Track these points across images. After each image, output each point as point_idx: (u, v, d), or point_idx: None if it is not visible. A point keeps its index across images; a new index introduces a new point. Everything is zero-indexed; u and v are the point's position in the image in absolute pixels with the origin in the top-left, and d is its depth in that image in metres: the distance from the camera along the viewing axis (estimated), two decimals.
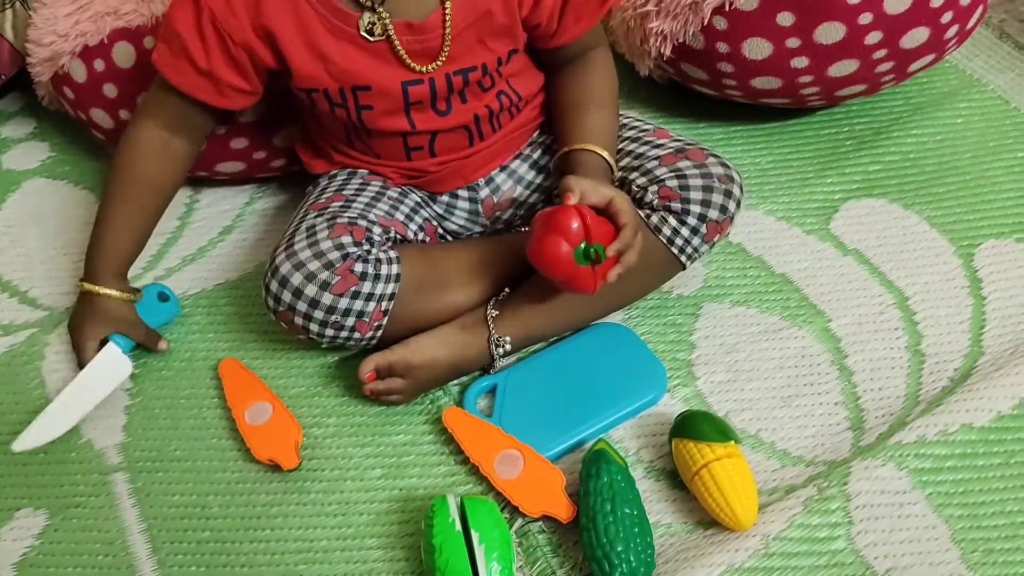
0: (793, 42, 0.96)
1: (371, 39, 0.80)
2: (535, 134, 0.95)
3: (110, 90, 0.95)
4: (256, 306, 0.97)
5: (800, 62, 0.97)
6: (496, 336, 0.86)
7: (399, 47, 0.80)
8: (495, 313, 0.87)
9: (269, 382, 0.90)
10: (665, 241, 0.86)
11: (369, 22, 0.79)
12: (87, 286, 0.89)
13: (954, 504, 0.79)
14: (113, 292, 0.90)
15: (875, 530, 0.77)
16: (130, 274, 1.00)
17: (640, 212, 0.86)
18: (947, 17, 0.96)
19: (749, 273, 0.98)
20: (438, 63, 0.82)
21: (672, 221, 0.86)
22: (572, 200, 0.78)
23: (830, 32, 0.94)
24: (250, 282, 0.99)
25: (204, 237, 1.04)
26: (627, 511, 0.75)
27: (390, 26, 0.79)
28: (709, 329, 0.93)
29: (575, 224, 0.77)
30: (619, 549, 0.72)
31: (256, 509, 0.82)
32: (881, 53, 0.96)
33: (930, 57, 1.00)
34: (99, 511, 0.83)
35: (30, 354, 0.94)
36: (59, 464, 0.86)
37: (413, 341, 0.85)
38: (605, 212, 0.80)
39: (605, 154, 0.86)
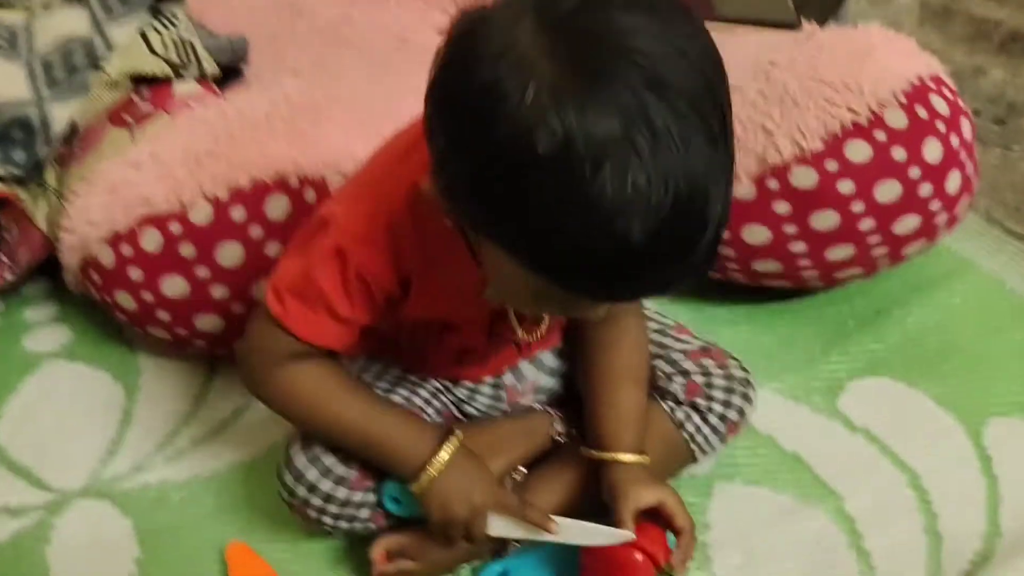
0: (790, 228, 1.00)
1: (491, 302, 0.76)
2: None
3: (135, 273, 0.99)
4: (266, 489, 0.95)
5: (798, 247, 1.01)
6: None
7: (513, 321, 0.82)
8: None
9: (277, 566, 0.89)
10: (687, 437, 0.88)
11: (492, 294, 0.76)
12: (428, 474, 0.79)
13: None
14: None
15: None
16: (137, 457, 1.00)
17: (664, 404, 0.88)
18: (935, 205, 1.00)
19: (759, 452, 0.98)
20: (538, 334, 0.85)
21: (696, 419, 0.88)
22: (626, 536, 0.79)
23: (824, 219, 0.99)
24: (262, 464, 0.99)
25: (218, 417, 1.05)
26: None
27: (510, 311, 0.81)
28: (722, 510, 0.92)
29: (639, 557, 0.78)
30: None
31: None
32: (875, 239, 1.01)
33: (922, 242, 1.04)
34: None
35: (36, 537, 0.93)
36: None
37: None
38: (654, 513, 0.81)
39: (636, 459, 0.83)
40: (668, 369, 0.90)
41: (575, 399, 0.96)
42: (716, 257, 0.60)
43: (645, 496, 0.80)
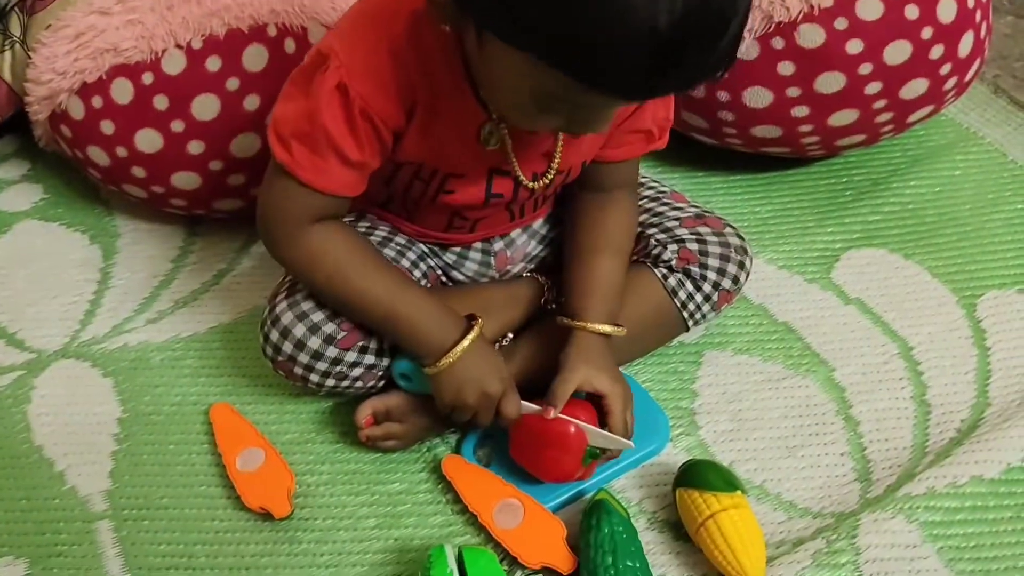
0: (794, 91, 0.96)
1: (487, 145, 0.76)
2: None
3: (107, 127, 0.94)
4: (249, 351, 0.94)
5: (800, 111, 0.98)
6: None
7: (512, 159, 0.77)
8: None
9: (261, 428, 0.88)
10: (679, 304, 0.86)
11: (489, 132, 0.75)
12: (449, 358, 0.77)
13: (965, 559, 0.77)
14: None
15: None
16: (116, 319, 0.98)
17: (657, 271, 0.86)
18: (945, 69, 0.96)
19: (751, 321, 0.96)
20: (543, 182, 0.80)
21: (689, 286, 0.86)
22: (551, 414, 0.78)
23: (830, 82, 0.95)
24: (244, 326, 0.97)
25: (198, 279, 1.02)
26: (629, 563, 0.72)
27: (507, 138, 0.76)
28: (712, 377, 0.91)
29: (572, 429, 0.78)
30: None
31: (245, 559, 0.79)
32: (881, 103, 0.97)
33: (929, 108, 1.01)
34: (82, 560, 0.80)
35: (16, 397, 0.92)
36: (41, 511, 0.83)
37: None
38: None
39: (608, 329, 0.82)
40: (662, 236, 0.88)
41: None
42: (735, 56, 0.60)
43: (591, 380, 0.79)
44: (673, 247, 0.87)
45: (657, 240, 0.88)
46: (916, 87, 0.96)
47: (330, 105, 0.71)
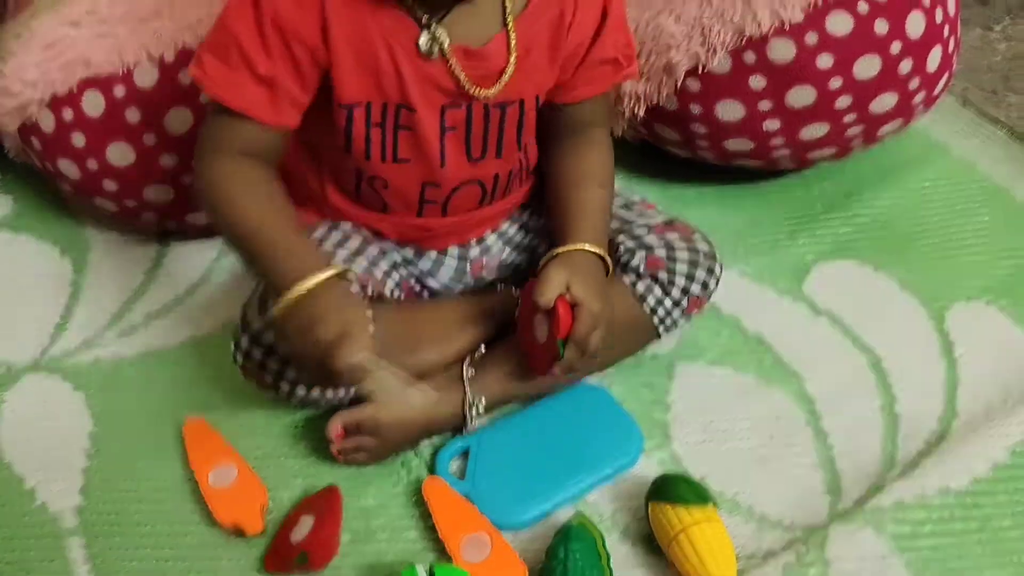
0: (765, 105, 0.97)
1: (429, 57, 0.76)
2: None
3: (78, 140, 0.94)
4: (223, 365, 0.93)
5: (772, 124, 0.99)
6: (471, 397, 0.85)
7: (455, 67, 0.77)
8: (471, 372, 0.86)
9: (234, 443, 0.87)
10: (648, 310, 0.87)
11: (427, 41, 0.76)
12: (296, 291, 0.71)
13: (933, 570, 0.78)
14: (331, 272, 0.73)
15: None
16: (88, 333, 0.98)
17: (625, 277, 0.87)
18: (914, 83, 0.98)
19: (723, 333, 0.97)
20: (494, 90, 0.79)
21: (657, 291, 0.87)
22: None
23: (801, 96, 0.96)
24: (217, 339, 0.96)
25: (171, 293, 1.02)
26: None
27: (447, 49, 0.76)
28: (684, 389, 0.92)
29: (562, 310, 0.79)
30: None
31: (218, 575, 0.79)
32: (851, 117, 0.98)
33: (898, 122, 1.02)
34: None
35: None
36: (10, 528, 0.82)
37: (384, 401, 0.83)
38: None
39: (601, 252, 0.84)
40: (630, 244, 0.88)
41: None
42: None
43: (573, 283, 0.79)
44: (641, 253, 0.87)
45: (626, 247, 0.88)
46: (885, 101, 0.97)
47: (241, 13, 0.72)
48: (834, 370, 0.93)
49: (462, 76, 0.77)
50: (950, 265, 1.04)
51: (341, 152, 0.82)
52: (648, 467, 0.86)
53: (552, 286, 0.79)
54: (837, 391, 0.92)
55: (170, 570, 0.79)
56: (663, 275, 0.87)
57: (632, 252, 0.88)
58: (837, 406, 0.90)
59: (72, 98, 0.92)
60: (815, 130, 0.99)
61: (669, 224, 0.90)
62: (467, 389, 0.85)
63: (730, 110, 0.98)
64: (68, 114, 0.93)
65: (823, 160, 1.07)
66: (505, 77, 0.79)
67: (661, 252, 0.87)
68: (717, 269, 0.89)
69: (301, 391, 0.81)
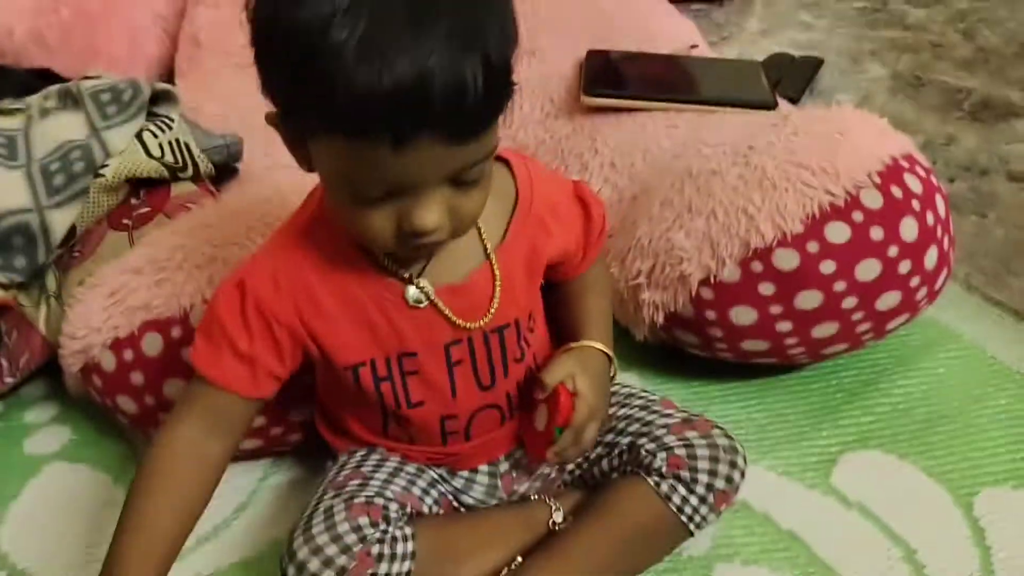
0: (776, 309, 1.03)
1: (419, 306, 0.83)
2: None
3: (136, 378, 1.00)
4: None
5: (784, 326, 1.04)
6: None
7: (444, 309, 0.83)
8: None
9: None
10: (675, 509, 0.89)
11: (416, 293, 0.83)
12: None
13: None
14: None
15: None
16: None
17: (649, 479, 0.90)
18: (915, 281, 1.03)
19: (756, 531, 0.99)
20: (485, 320, 0.85)
21: (681, 490, 0.89)
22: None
23: (809, 299, 1.02)
24: (266, 561, 1.00)
25: (219, 515, 1.06)
26: None
27: (433, 295, 0.83)
28: None
29: (564, 397, 0.86)
30: None
31: None
32: (858, 315, 1.04)
33: (905, 316, 1.07)
34: None
35: None
36: None
37: None
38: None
39: (600, 346, 0.92)
40: (651, 446, 0.91)
41: (573, 485, 0.98)
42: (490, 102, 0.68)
43: (576, 375, 0.88)
44: (662, 455, 0.90)
45: (647, 450, 0.91)
46: (890, 299, 1.03)
47: (227, 298, 0.82)
48: (870, 564, 0.94)
49: (452, 316, 0.84)
50: (972, 451, 1.06)
51: (362, 402, 0.89)
52: None
53: (557, 372, 0.87)
54: None
55: None
56: (685, 474, 0.89)
57: (653, 454, 0.91)
58: None
59: (132, 340, 1.00)
60: (826, 329, 1.04)
61: (687, 422, 0.93)
62: None
63: (743, 315, 1.04)
64: (128, 354, 1.00)
65: (838, 354, 1.12)
66: (494, 306, 0.86)
67: (681, 452, 0.90)
68: (740, 462, 0.91)
69: None
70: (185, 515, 0.84)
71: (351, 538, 0.82)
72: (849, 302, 1.02)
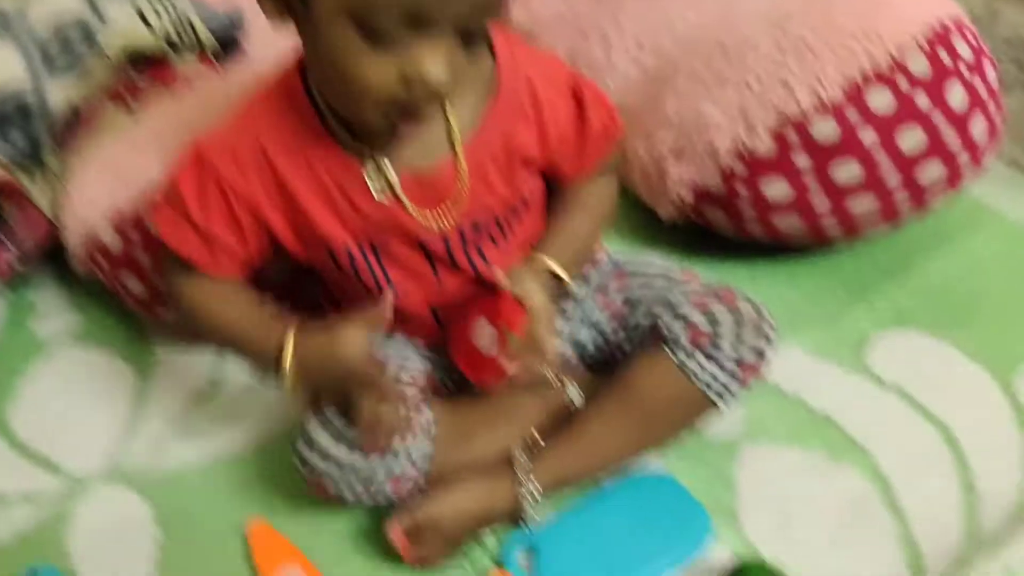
0: (811, 182, 0.97)
1: (384, 201, 0.77)
2: None
3: (143, 258, 0.97)
4: (285, 467, 0.94)
5: (819, 201, 0.99)
6: (525, 484, 0.84)
7: (409, 206, 0.78)
8: (522, 460, 0.85)
9: (299, 546, 0.87)
10: (700, 384, 0.84)
11: (373, 173, 0.76)
12: (287, 350, 0.78)
13: None
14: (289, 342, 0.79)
15: None
16: (154, 441, 0.99)
17: (671, 354, 0.84)
18: (960, 152, 0.97)
19: (787, 412, 0.96)
20: (454, 217, 0.79)
21: (706, 364, 0.83)
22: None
23: (847, 171, 0.96)
24: (279, 443, 0.98)
25: (234, 398, 1.03)
26: None
27: (395, 181, 0.77)
28: (751, 472, 0.90)
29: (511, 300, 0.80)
30: None
31: None
32: (899, 189, 0.98)
33: (947, 191, 1.01)
34: None
35: (56, 523, 0.92)
36: None
37: (438, 496, 0.83)
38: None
39: (560, 272, 0.84)
40: (671, 320, 0.85)
41: (592, 368, 0.94)
42: None
43: (528, 289, 0.80)
44: (680, 324, 0.84)
45: (667, 324, 0.85)
46: (933, 172, 0.97)
47: (186, 170, 0.78)
48: (906, 446, 0.91)
49: (413, 211, 0.78)
50: (1012, 329, 1.02)
51: (353, 284, 0.84)
52: (719, 552, 0.84)
53: (500, 275, 0.81)
54: (911, 467, 0.89)
55: None
56: (709, 347, 0.83)
57: (673, 328, 0.84)
58: (913, 483, 0.88)
59: (137, 218, 0.96)
60: (864, 204, 0.99)
61: (710, 291, 0.86)
62: (520, 477, 0.84)
63: (776, 189, 0.99)
64: (133, 234, 0.96)
65: (874, 232, 1.07)
66: (463, 199, 0.79)
67: (704, 324, 0.84)
68: (769, 331, 0.85)
69: (366, 499, 0.82)
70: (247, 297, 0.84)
71: None
72: (889, 174, 0.96)
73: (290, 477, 0.93)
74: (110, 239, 0.98)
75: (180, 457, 0.98)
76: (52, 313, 1.15)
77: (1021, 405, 0.94)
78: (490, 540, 0.87)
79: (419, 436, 0.81)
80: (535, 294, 0.80)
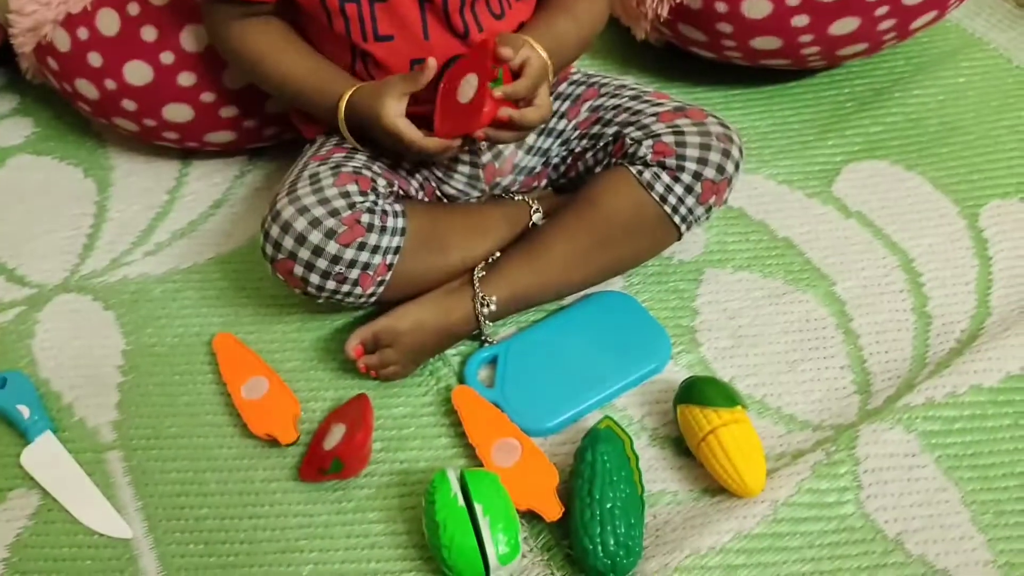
0: (793, 0, 0.94)
1: None
2: None
3: (95, 59, 0.93)
4: (249, 280, 0.95)
5: (800, 20, 0.95)
6: (481, 295, 0.84)
7: None
8: (482, 274, 0.85)
9: (264, 357, 0.88)
10: (658, 199, 0.83)
11: None
12: (344, 104, 0.82)
13: (964, 466, 0.78)
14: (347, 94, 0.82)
15: (885, 494, 0.76)
16: (115, 252, 0.99)
17: (632, 168, 0.84)
18: None
19: (751, 238, 0.96)
20: None
21: (666, 178, 0.83)
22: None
23: None
24: (243, 255, 0.97)
25: (195, 211, 1.02)
26: (609, 493, 0.72)
27: None
28: (712, 295, 0.91)
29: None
30: (596, 532, 0.71)
31: (255, 485, 0.81)
32: (883, 10, 0.95)
33: (932, 14, 0.98)
34: None
35: (19, 332, 0.92)
36: None
37: (397, 308, 0.84)
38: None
39: (544, 54, 0.80)
40: (637, 134, 0.84)
41: (558, 188, 0.93)
42: None
43: (518, 45, 0.78)
44: (648, 142, 0.83)
45: (632, 139, 0.84)
46: None
47: None
48: (864, 272, 0.92)
49: None
50: (984, 163, 1.01)
51: (329, 34, 0.82)
52: (676, 372, 0.86)
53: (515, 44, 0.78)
54: (867, 292, 0.91)
55: (208, 480, 0.81)
56: (671, 161, 0.82)
57: (639, 142, 0.84)
58: (868, 307, 0.89)
59: (87, 16, 0.91)
60: (846, 25, 0.96)
61: (680, 110, 0.85)
62: (476, 287, 0.84)
63: (757, 7, 0.95)
64: (83, 33, 0.92)
65: (854, 57, 1.04)
66: None
67: (669, 138, 0.83)
68: (735, 152, 0.84)
69: (330, 284, 0.80)
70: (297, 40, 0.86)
71: (340, 203, 0.78)
72: None
73: (254, 290, 0.94)
74: (60, 40, 0.93)
75: (142, 268, 0.97)
76: (6, 124, 1.11)
77: (983, 236, 0.94)
78: (455, 359, 0.88)
79: (391, 234, 0.81)
80: (530, 51, 0.78)
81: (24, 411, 0.84)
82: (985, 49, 1.13)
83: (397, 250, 0.81)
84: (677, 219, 0.84)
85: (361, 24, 0.81)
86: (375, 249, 0.80)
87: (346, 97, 0.82)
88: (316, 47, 0.86)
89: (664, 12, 1.00)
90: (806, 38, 0.97)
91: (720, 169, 0.83)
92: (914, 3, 0.95)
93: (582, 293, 0.91)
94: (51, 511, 0.80)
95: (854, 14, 0.94)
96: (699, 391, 0.78)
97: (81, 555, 0.78)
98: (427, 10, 0.80)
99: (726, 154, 0.83)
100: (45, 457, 0.83)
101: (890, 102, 1.08)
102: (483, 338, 0.87)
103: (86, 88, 0.96)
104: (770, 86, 1.11)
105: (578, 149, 0.90)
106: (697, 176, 0.82)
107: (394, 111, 0.78)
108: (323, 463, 0.78)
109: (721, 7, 0.96)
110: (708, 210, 0.85)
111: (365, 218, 0.79)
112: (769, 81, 1.10)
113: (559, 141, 0.90)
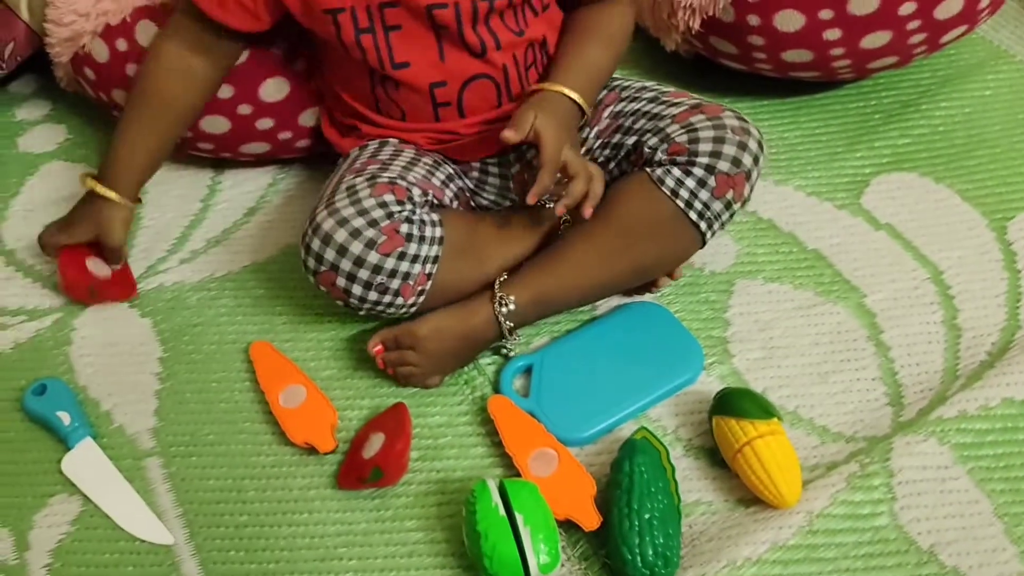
0: (826, 14, 0.94)
1: None
2: None
3: (132, 70, 0.94)
4: (284, 288, 0.96)
5: (833, 34, 0.96)
6: (499, 296, 0.84)
7: None
8: (503, 278, 0.86)
9: (301, 365, 0.89)
10: (669, 193, 0.82)
11: None
12: (91, 182, 0.91)
13: (996, 479, 0.78)
14: (112, 195, 0.90)
15: (918, 506, 0.77)
16: (150, 260, 1.00)
17: (647, 169, 0.84)
18: None
19: (781, 249, 0.97)
20: None
21: (676, 172, 0.82)
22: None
23: (863, 3, 0.93)
24: (277, 264, 0.98)
25: (229, 219, 1.03)
26: (647, 504, 0.73)
27: None
28: (743, 306, 0.92)
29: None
30: (635, 543, 0.72)
31: (293, 492, 0.82)
32: (915, 24, 0.95)
33: (963, 28, 0.99)
34: None
35: (57, 339, 0.93)
36: None
37: (421, 316, 0.85)
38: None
39: (575, 96, 0.83)
40: (654, 141, 0.84)
41: None
42: None
43: (538, 123, 0.79)
44: (664, 147, 0.83)
45: (650, 147, 0.84)
46: (950, 6, 0.94)
47: None
48: (895, 284, 0.93)
49: None
50: (1012, 175, 1.02)
51: (347, 62, 0.84)
52: (709, 383, 0.86)
53: (521, 120, 0.79)
54: (898, 305, 0.91)
55: (247, 488, 0.82)
56: (682, 157, 0.82)
57: (655, 150, 0.84)
58: (898, 319, 0.90)
59: (126, 28, 0.92)
60: (877, 39, 0.96)
61: (695, 107, 0.85)
62: (495, 290, 0.85)
63: (790, 20, 0.96)
64: (122, 44, 0.93)
65: (883, 70, 1.05)
66: None
67: (682, 137, 0.82)
68: (752, 144, 0.82)
69: (372, 296, 0.81)
70: (168, 127, 0.91)
71: (378, 212, 0.79)
72: (907, 8, 0.93)
73: (289, 298, 0.95)
74: (97, 50, 0.94)
75: (177, 276, 0.98)
76: (39, 131, 1.12)
77: (1012, 249, 0.95)
78: (490, 368, 0.89)
79: (429, 244, 0.81)
80: (541, 121, 0.79)
81: (64, 417, 0.85)
82: (1011, 61, 1.13)
83: (436, 259, 0.82)
84: (693, 215, 0.83)
85: (378, 53, 0.82)
86: (415, 258, 0.81)
87: (88, 180, 0.91)
88: (337, 72, 0.89)
89: (696, 25, 1.00)
90: (838, 51, 0.98)
91: (736, 162, 0.81)
92: (946, 17, 0.95)
93: (615, 302, 0.92)
94: (93, 517, 0.81)
95: (886, 28, 0.95)
96: (735, 403, 0.79)
97: (123, 561, 0.78)
98: (441, 34, 0.82)
99: (742, 146, 0.82)
100: (86, 463, 0.84)
101: (917, 114, 1.08)
102: (505, 351, 0.88)
103: (122, 98, 0.97)
104: (798, 97, 1.11)
105: (600, 159, 0.91)
106: (710, 169, 0.81)
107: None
108: (362, 472, 0.79)
109: (753, 20, 0.97)
110: (728, 206, 0.83)
111: (404, 228, 0.79)
112: (797, 92, 1.11)
113: (582, 150, 0.91)
